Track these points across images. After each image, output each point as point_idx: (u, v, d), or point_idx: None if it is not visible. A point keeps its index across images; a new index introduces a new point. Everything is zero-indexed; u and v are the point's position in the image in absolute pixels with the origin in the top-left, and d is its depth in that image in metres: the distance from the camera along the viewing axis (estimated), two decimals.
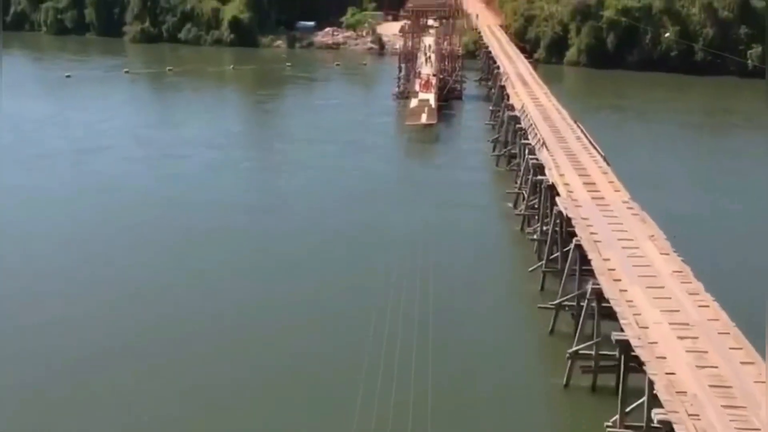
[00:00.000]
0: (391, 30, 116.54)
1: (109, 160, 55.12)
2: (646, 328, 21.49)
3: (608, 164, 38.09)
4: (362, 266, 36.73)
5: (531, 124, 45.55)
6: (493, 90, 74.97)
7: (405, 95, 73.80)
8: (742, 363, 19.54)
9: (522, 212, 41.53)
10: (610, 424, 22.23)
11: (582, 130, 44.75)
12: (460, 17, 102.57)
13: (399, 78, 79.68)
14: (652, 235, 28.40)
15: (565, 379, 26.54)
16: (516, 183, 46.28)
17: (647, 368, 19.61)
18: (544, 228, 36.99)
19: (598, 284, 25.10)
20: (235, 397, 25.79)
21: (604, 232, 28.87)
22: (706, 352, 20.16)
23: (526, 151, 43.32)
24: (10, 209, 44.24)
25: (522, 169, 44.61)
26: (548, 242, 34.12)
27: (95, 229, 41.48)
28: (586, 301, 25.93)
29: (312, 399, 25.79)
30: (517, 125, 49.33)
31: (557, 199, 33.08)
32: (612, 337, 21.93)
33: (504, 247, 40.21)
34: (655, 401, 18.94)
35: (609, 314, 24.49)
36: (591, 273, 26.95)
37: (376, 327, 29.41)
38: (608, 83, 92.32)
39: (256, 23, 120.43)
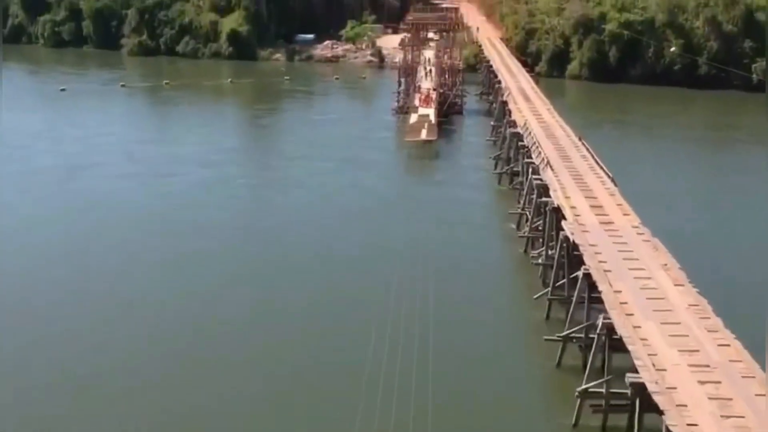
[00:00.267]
0: (390, 43, 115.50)
1: (100, 177, 53.55)
2: (664, 370, 19.90)
3: (616, 185, 36.57)
4: (358, 289, 35.15)
5: (534, 142, 44.09)
6: (494, 105, 73.67)
7: (405, 110, 72.45)
8: None
9: (526, 234, 39.99)
10: None
11: (587, 149, 43.28)
12: (460, 30, 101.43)
13: (398, 92, 78.32)
14: (665, 264, 26.84)
15: (573, 418, 24.90)
16: (519, 203, 44.75)
17: (666, 418, 18.01)
18: (549, 252, 35.48)
19: (609, 318, 23.53)
20: (233, 411, 25.65)
21: (614, 261, 27.31)
22: (730, 399, 18.56)
23: (530, 171, 41.86)
24: None
25: (525, 188, 43.11)
26: (554, 268, 32.54)
27: (81, 250, 40.02)
28: (596, 336, 24.32)
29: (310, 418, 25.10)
30: (520, 142, 47.89)
31: (563, 223, 31.54)
32: (626, 380, 20.34)
33: (507, 271, 38.59)
34: None
35: (620, 347, 22.99)
36: (599, 300, 25.54)
37: (372, 363, 27.80)
38: (610, 97, 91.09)
39: (255, 36, 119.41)
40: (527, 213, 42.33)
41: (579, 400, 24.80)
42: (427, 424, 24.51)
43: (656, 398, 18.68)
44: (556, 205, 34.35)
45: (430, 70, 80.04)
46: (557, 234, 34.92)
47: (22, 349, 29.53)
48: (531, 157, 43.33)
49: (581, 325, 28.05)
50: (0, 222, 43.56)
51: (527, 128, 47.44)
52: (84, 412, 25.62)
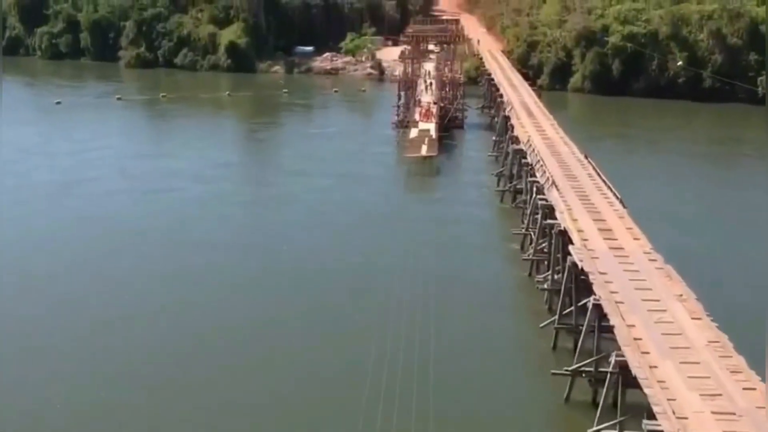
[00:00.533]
0: (390, 55, 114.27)
1: (91, 193, 52.10)
2: (685, 418, 18.25)
3: (624, 206, 34.99)
4: (353, 314, 33.63)
5: (538, 160, 42.57)
6: (496, 119, 72.24)
7: (404, 124, 71.02)
8: None
9: (530, 257, 38.34)
10: None
11: (593, 167, 41.73)
12: (461, 43, 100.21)
13: (398, 106, 76.89)
14: (681, 295, 25.22)
15: None
16: (522, 223, 43.18)
17: None
18: (555, 276, 33.89)
19: (622, 356, 21.88)
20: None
21: (626, 291, 25.69)
22: None
23: (534, 190, 40.25)
24: None
25: (529, 208, 41.54)
26: (561, 295, 30.94)
27: (66, 267, 38.69)
28: (608, 374, 22.66)
29: None
30: (523, 160, 46.33)
31: (571, 248, 29.95)
32: (644, 428, 18.69)
33: (511, 296, 36.93)
34: None
35: (634, 384, 21.38)
36: (610, 329, 24.05)
37: (369, 397, 26.16)
38: (613, 111, 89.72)
39: (254, 48, 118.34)
40: (531, 234, 40.78)
41: None
42: None
43: None
44: (562, 228, 32.79)
45: (431, 84, 78.69)
46: (563, 258, 33.34)
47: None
48: (535, 176, 41.78)
49: (591, 359, 26.43)
50: None
51: (530, 145, 45.94)
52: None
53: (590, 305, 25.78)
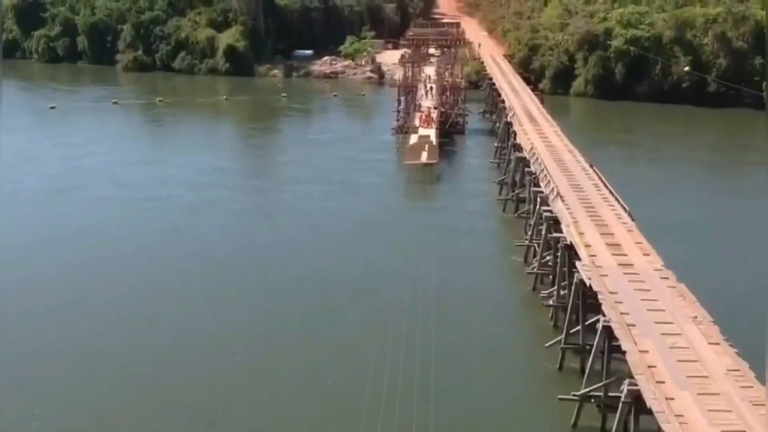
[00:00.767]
0: (390, 59, 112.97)
1: (79, 201, 50.75)
2: None
3: (633, 219, 33.53)
4: (348, 335, 32.09)
5: (542, 169, 41.14)
6: (497, 124, 70.93)
7: (404, 130, 69.58)
8: None
9: (534, 270, 36.86)
10: None
11: (599, 177, 40.27)
12: (461, 46, 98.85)
13: (398, 111, 75.45)
14: (696, 317, 23.76)
15: None
16: (526, 234, 41.74)
17: None
18: (561, 292, 32.43)
19: (635, 385, 20.44)
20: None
21: (638, 312, 24.23)
22: None
23: (538, 200, 38.83)
24: None
25: (533, 219, 40.07)
26: (567, 313, 29.47)
27: (46, 280, 37.15)
28: (620, 404, 21.17)
29: None
30: (526, 168, 44.89)
31: (578, 264, 28.50)
32: None
33: (515, 312, 35.40)
34: None
35: (647, 411, 19.96)
36: (619, 349, 22.77)
37: (368, 413, 24.76)
38: (616, 116, 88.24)
39: (252, 52, 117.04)
40: (535, 246, 39.34)
41: None
42: None
43: None
44: (568, 243, 31.34)
45: (431, 88, 77.28)
46: (569, 272, 31.94)
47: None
48: (539, 185, 40.38)
49: (600, 384, 24.95)
50: None
51: (534, 154, 44.49)
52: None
53: (600, 327, 24.35)
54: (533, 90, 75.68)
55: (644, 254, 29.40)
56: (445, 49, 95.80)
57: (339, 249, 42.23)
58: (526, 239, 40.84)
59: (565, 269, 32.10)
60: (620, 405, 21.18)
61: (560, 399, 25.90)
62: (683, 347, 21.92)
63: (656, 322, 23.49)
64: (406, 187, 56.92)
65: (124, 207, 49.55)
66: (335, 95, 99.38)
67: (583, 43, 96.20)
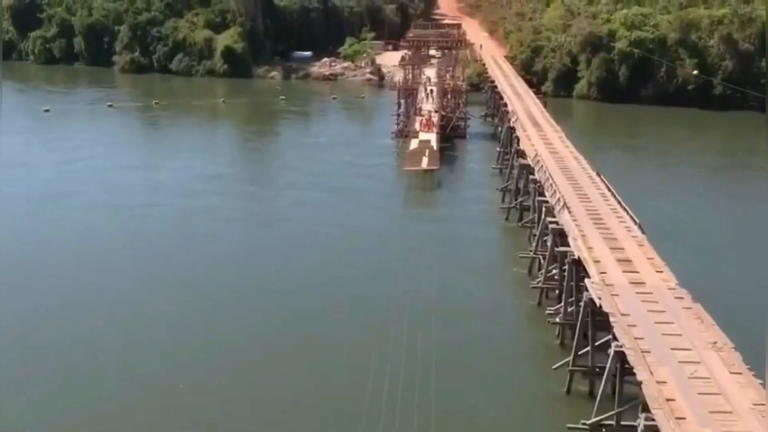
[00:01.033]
0: (391, 60, 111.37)
1: (69, 208, 49.24)
2: None
3: (643, 232, 31.95)
4: (344, 353, 30.61)
5: (547, 178, 39.55)
6: (500, 128, 69.38)
7: (404, 134, 68.05)
8: None
9: (539, 284, 35.28)
10: None
11: (607, 186, 38.69)
12: (462, 48, 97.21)
13: (398, 114, 73.88)
14: (715, 343, 22.19)
15: None
16: (531, 245, 40.16)
17: None
18: (569, 309, 30.88)
19: (652, 420, 18.90)
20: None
21: (652, 337, 22.67)
22: None
23: (543, 210, 37.26)
24: None
25: (538, 230, 38.52)
26: (575, 334, 27.89)
27: (33, 297, 35.52)
28: None
29: None
30: (531, 176, 43.33)
31: (588, 282, 26.93)
32: None
33: (519, 329, 33.82)
34: None
35: None
36: (631, 372, 21.31)
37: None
38: (620, 119, 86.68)
39: (251, 53, 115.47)
40: (540, 258, 37.79)
41: None
42: None
43: None
44: (576, 257, 29.78)
45: (432, 91, 75.71)
46: (577, 288, 30.44)
47: None
48: (544, 195, 38.81)
49: (612, 412, 23.43)
50: None
51: (539, 161, 42.92)
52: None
53: (612, 351, 22.81)
54: (536, 93, 74.12)
55: (657, 271, 27.82)
56: (446, 51, 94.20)
57: (335, 260, 40.60)
58: (530, 251, 39.25)
59: (573, 283, 30.62)
60: None
61: (569, 429, 24.33)
62: (704, 378, 20.36)
63: (673, 349, 21.92)
64: (405, 193, 55.29)
65: (113, 214, 47.89)
66: (334, 98, 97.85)
67: (586, 44, 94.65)
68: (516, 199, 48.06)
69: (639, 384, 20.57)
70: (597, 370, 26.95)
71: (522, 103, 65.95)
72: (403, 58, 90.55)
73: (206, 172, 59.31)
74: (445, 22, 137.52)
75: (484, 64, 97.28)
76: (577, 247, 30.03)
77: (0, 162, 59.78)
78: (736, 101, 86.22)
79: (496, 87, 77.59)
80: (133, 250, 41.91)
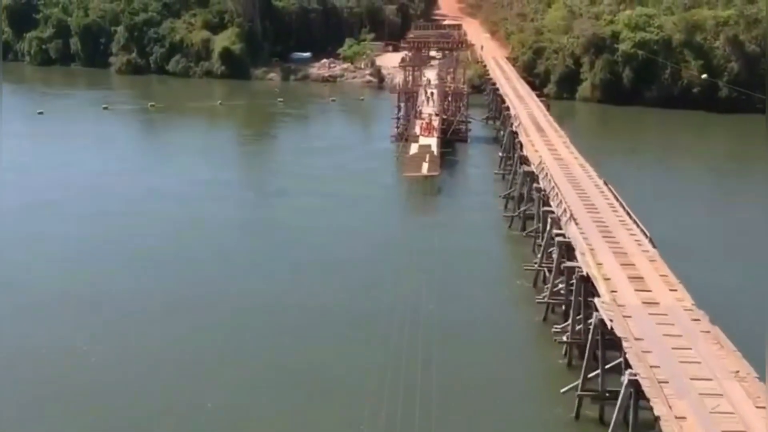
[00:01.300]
0: (391, 61, 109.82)
1: (57, 217, 47.65)
2: None
3: (654, 246, 30.41)
4: (339, 375, 29.11)
5: (552, 186, 38.00)
6: (501, 132, 67.83)
7: (404, 137, 66.49)
8: None
9: (545, 299, 33.72)
10: None
11: (615, 195, 37.12)
12: (463, 49, 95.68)
13: (398, 118, 72.30)
14: (737, 372, 20.64)
15: None
16: (535, 257, 38.60)
17: None
18: (577, 327, 29.34)
19: None
20: None
21: (669, 365, 21.13)
22: None
23: (549, 221, 35.72)
24: None
25: (543, 241, 36.94)
26: (585, 357, 26.31)
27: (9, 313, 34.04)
28: None
29: None
30: (535, 184, 41.77)
31: (598, 303, 25.37)
32: None
33: (524, 348, 32.19)
34: None
35: None
36: (645, 396, 19.91)
37: None
38: (624, 122, 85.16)
39: (249, 55, 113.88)
40: (545, 271, 36.27)
41: None
42: None
43: None
44: (584, 274, 28.24)
45: (432, 94, 74.13)
46: (585, 305, 28.93)
47: None
48: (549, 204, 37.28)
49: None
50: None
51: (543, 169, 41.36)
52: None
53: (625, 380, 21.25)
54: (538, 96, 72.61)
55: (671, 290, 26.28)
56: (447, 52, 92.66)
57: (329, 271, 38.98)
58: (535, 263, 37.67)
59: (581, 298, 29.10)
60: None
61: None
62: (727, 413, 18.82)
63: (692, 379, 20.37)
64: (405, 200, 53.76)
65: (100, 223, 46.40)
66: (333, 100, 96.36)
67: (589, 46, 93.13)
68: (519, 207, 46.51)
69: (656, 419, 19.05)
70: (607, 395, 25.49)
71: (525, 106, 64.44)
72: (403, 60, 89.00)
73: (199, 177, 57.72)
74: (446, 22, 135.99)
75: (485, 66, 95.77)
76: (585, 263, 28.50)
77: None
78: (742, 104, 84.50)
79: (497, 89, 76.11)
80: (118, 260, 40.39)
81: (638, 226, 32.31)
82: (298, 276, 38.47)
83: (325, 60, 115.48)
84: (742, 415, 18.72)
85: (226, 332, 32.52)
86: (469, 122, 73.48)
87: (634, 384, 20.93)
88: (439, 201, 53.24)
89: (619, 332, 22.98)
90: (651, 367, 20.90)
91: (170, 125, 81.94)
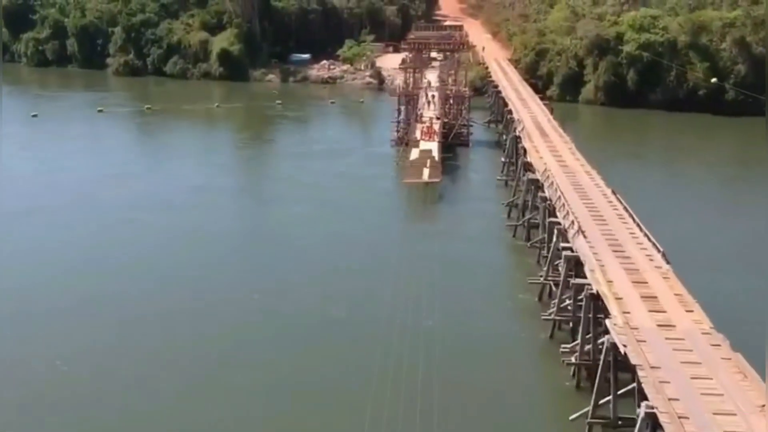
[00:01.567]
0: (391, 62, 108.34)
1: (43, 225, 46.09)
2: None
3: (668, 262, 28.84)
4: (333, 396, 27.60)
5: (559, 196, 36.45)
6: (504, 136, 66.32)
7: (404, 142, 64.93)
8: None
9: (552, 316, 32.13)
10: None
11: (624, 206, 35.55)
12: (465, 50, 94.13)
13: (398, 121, 70.72)
14: (764, 406, 19.04)
15: None
16: (541, 269, 37.05)
17: None
18: (586, 347, 27.79)
19: None
20: None
21: (689, 397, 19.56)
22: None
23: (555, 233, 34.17)
24: None
25: (549, 254, 35.39)
26: (596, 381, 24.73)
27: None
28: None
29: None
30: (540, 193, 40.22)
31: (610, 325, 23.82)
32: None
33: (529, 367, 30.54)
34: None
35: None
36: (660, 428, 18.37)
37: None
38: (629, 125, 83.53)
39: (247, 56, 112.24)
40: (551, 285, 34.70)
41: None
42: None
43: None
44: (594, 292, 26.70)
45: (433, 97, 72.54)
46: (595, 323, 27.41)
47: None
48: (555, 215, 35.75)
49: None
50: None
51: (549, 177, 39.79)
52: None
53: (641, 413, 19.68)
54: (541, 98, 71.04)
55: (687, 311, 24.70)
56: (448, 54, 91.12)
57: (324, 284, 37.46)
58: (540, 276, 36.09)
59: (590, 316, 27.56)
60: None
61: None
62: None
63: (715, 413, 18.81)
64: (405, 208, 52.18)
65: (88, 232, 44.82)
66: (332, 102, 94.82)
67: (593, 48, 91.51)
68: (523, 216, 44.93)
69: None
70: (620, 422, 23.95)
71: (528, 110, 62.93)
72: (403, 61, 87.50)
73: (192, 183, 56.07)
74: (447, 23, 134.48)
75: (487, 68, 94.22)
76: (595, 281, 26.95)
77: None
78: (749, 107, 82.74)
79: (500, 92, 74.61)
80: (104, 271, 38.92)
81: (649, 239, 30.73)
82: (289, 289, 36.86)
83: (324, 61, 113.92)
84: None
85: (214, 347, 31.00)
86: (471, 126, 71.90)
87: (652, 417, 19.40)
88: (439, 208, 51.56)
89: (633, 359, 21.42)
90: (669, 399, 19.33)
91: (165, 128, 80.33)
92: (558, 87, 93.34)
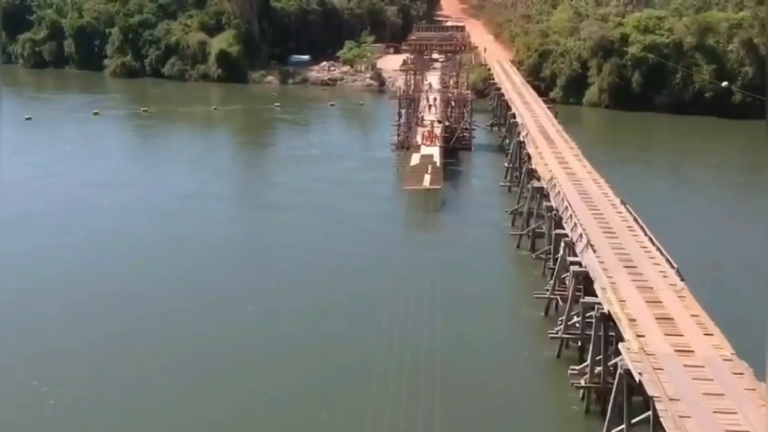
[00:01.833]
0: (392, 64, 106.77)
1: (31, 230, 44.69)
2: None
3: (682, 279, 27.23)
4: (335, 406, 26.29)
5: (566, 206, 34.85)
6: (507, 140, 64.81)
7: (405, 146, 63.37)
8: None
9: (559, 334, 30.52)
10: None
11: (635, 218, 33.93)
12: (467, 52, 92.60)
13: (399, 125, 69.15)
14: None
15: None
16: (547, 282, 35.45)
17: None
18: (596, 369, 26.21)
19: None
20: None
21: None
22: None
23: (562, 246, 32.59)
24: None
25: (556, 267, 33.79)
26: (609, 410, 23.14)
27: None
28: None
29: None
30: (545, 202, 38.62)
31: (624, 350, 22.22)
32: None
33: (535, 389, 28.88)
34: None
35: None
36: None
37: None
38: (634, 128, 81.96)
39: (246, 57, 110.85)
40: (558, 299, 33.13)
41: None
42: None
43: None
44: (606, 312, 25.12)
45: (435, 99, 70.95)
46: (605, 345, 25.82)
47: None
48: (562, 226, 34.16)
49: None
50: None
51: (555, 185, 38.18)
52: None
53: None
54: (545, 101, 69.45)
55: (706, 334, 23.10)
56: (449, 55, 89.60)
57: (320, 295, 35.91)
58: (546, 289, 34.49)
59: (600, 336, 25.97)
60: None
61: None
62: None
63: None
64: (405, 215, 50.52)
65: (76, 239, 43.34)
66: (332, 104, 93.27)
67: (597, 49, 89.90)
68: (528, 225, 43.30)
69: None
70: None
71: (532, 114, 61.31)
72: (404, 62, 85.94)
73: (186, 189, 54.54)
74: (449, 24, 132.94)
75: (489, 69, 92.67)
76: (607, 300, 25.35)
77: None
78: (757, 109, 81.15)
79: (502, 94, 73.06)
80: (102, 272, 37.86)
81: (662, 254, 29.12)
82: (282, 302, 35.25)
83: (324, 63, 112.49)
84: None
85: (214, 347, 29.53)
86: (473, 129, 70.33)
87: None
88: (441, 216, 49.92)
89: (650, 390, 19.83)
90: None
91: (161, 132, 78.74)
92: (561, 89, 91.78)
